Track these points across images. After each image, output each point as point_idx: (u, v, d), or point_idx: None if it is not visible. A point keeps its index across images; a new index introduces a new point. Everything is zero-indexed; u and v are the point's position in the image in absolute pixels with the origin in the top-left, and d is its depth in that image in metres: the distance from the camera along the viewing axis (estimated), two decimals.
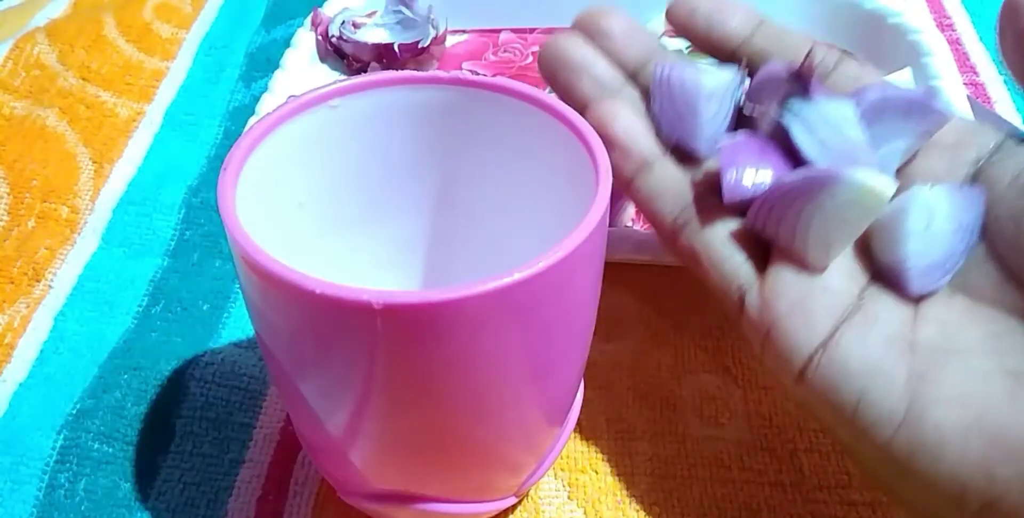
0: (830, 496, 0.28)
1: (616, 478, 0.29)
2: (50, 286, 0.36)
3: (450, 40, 0.47)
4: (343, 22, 0.45)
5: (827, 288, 0.23)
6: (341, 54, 0.44)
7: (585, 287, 0.21)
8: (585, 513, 0.28)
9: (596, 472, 0.29)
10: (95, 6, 0.52)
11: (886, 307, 0.22)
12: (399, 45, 0.43)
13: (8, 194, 0.40)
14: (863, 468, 0.22)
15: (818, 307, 0.22)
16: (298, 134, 0.23)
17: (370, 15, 0.46)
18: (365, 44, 0.43)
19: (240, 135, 0.22)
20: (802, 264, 0.23)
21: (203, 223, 0.39)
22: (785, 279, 0.23)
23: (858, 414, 0.21)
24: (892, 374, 0.21)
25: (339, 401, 0.21)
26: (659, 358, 0.32)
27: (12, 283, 0.36)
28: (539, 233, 0.24)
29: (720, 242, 0.24)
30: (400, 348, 0.19)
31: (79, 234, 0.38)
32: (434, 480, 0.24)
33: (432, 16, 0.45)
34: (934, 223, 0.22)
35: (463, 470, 0.24)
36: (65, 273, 0.37)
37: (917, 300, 0.23)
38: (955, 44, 0.45)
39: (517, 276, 0.18)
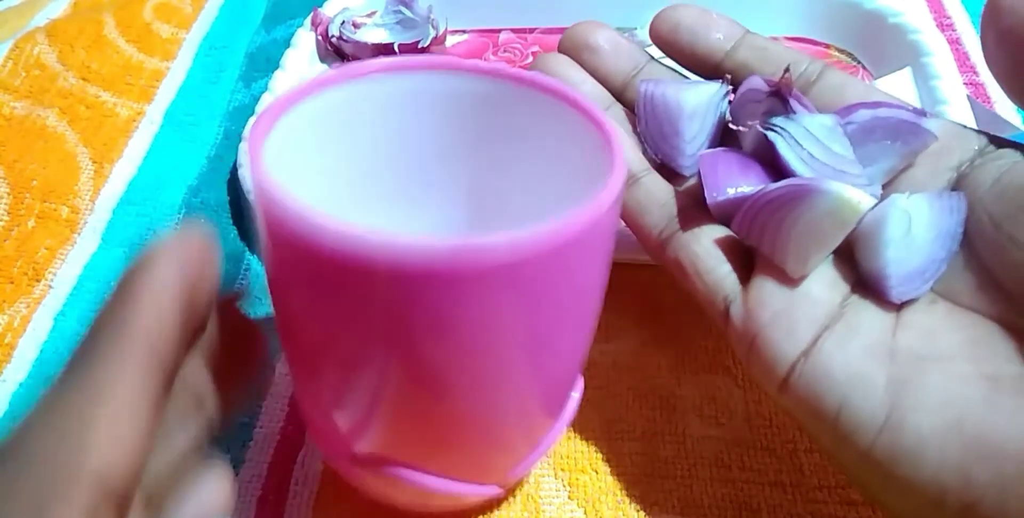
0: (830, 496, 0.28)
1: (616, 478, 0.29)
2: (50, 286, 0.36)
3: (450, 40, 0.47)
4: (343, 22, 0.45)
5: (809, 297, 0.23)
6: (341, 54, 0.44)
7: (594, 263, 0.21)
8: (585, 513, 0.28)
9: (596, 472, 0.29)
10: (95, 6, 0.52)
11: (867, 315, 0.23)
12: (399, 45, 0.43)
13: (8, 194, 0.40)
14: (846, 473, 0.23)
15: (800, 316, 0.23)
16: (336, 103, 0.23)
17: (370, 15, 0.46)
18: (365, 44, 0.43)
19: (264, 110, 0.21)
20: (781, 273, 0.23)
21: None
22: (768, 289, 0.23)
23: (839, 421, 0.21)
24: (872, 381, 0.21)
25: (336, 355, 0.21)
26: (659, 358, 0.32)
27: (12, 283, 0.36)
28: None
29: (705, 254, 0.25)
30: (401, 307, 0.19)
31: (79, 234, 0.38)
32: (424, 449, 0.23)
33: (432, 16, 0.45)
34: (913, 230, 0.22)
35: (455, 443, 0.24)
36: (65, 273, 0.37)
37: (898, 307, 0.23)
38: (955, 44, 0.45)
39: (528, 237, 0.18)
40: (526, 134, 0.25)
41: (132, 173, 0.41)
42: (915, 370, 0.21)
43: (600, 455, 0.29)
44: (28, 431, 0.17)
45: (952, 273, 0.23)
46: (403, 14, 0.45)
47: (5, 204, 0.39)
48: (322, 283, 0.19)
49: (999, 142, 0.24)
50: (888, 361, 0.21)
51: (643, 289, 0.34)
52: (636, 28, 0.46)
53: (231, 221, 0.39)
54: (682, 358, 0.32)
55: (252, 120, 0.20)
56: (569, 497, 0.28)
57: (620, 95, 0.29)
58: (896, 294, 0.23)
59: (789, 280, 0.23)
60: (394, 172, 0.26)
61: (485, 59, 0.46)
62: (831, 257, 0.24)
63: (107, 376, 0.17)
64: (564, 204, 0.25)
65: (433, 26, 0.45)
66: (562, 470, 0.29)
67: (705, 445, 0.30)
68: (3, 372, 0.33)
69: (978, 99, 0.42)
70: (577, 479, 0.29)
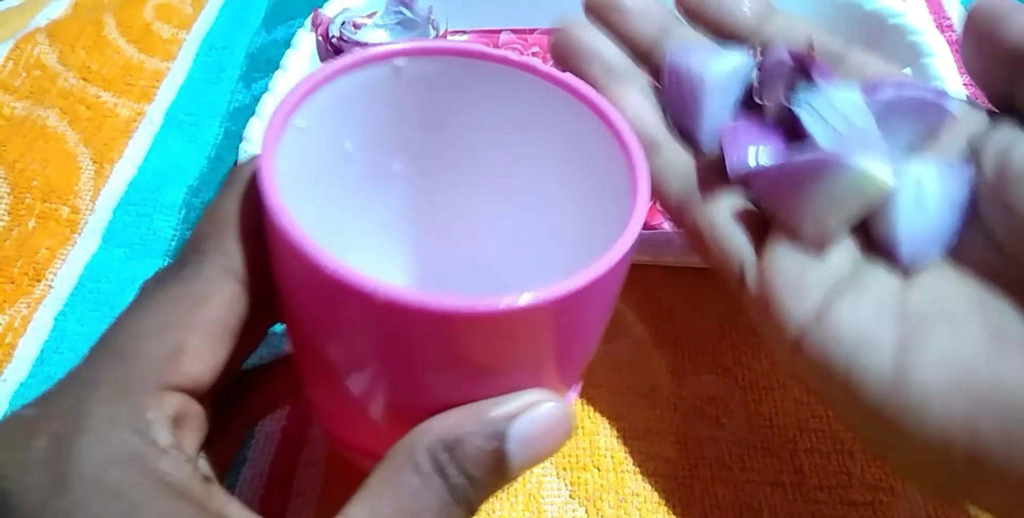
0: (830, 496, 0.28)
1: (617, 478, 0.29)
2: (51, 286, 0.36)
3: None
4: (343, 23, 0.44)
5: (822, 263, 0.23)
6: (342, 55, 0.44)
7: (601, 306, 0.21)
8: (587, 512, 0.28)
9: (598, 469, 0.29)
10: (95, 6, 0.52)
11: (879, 279, 0.23)
12: None
13: (8, 194, 0.40)
14: (856, 433, 0.23)
15: (812, 281, 0.23)
16: (358, 85, 0.23)
17: (370, 16, 0.46)
18: (366, 45, 0.43)
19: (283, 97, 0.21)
20: (796, 240, 0.24)
21: None
22: (782, 255, 0.24)
23: (849, 381, 0.22)
24: (881, 341, 0.22)
25: (341, 371, 0.21)
26: (659, 358, 0.32)
27: (13, 283, 0.36)
28: (565, 220, 0.25)
29: (723, 221, 0.25)
30: (405, 345, 0.19)
31: (79, 234, 0.38)
32: None
33: (432, 17, 0.45)
34: (925, 198, 0.23)
35: None
36: (66, 273, 0.37)
37: (909, 273, 0.23)
38: (955, 45, 0.45)
39: (523, 301, 0.18)
40: (541, 128, 0.24)
41: (132, 173, 0.41)
42: (923, 329, 0.21)
43: (601, 455, 0.29)
44: (128, 323, 0.19)
45: (962, 240, 0.23)
46: (403, 15, 0.45)
47: (5, 204, 0.39)
48: (325, 311, 0.19)
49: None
50: (897, 322, 0.22)
51: (643, 289, 0.34)
52: None
53: None
54: (682, 358, 0.32)
55: (256, 127, 0.20)
56: (571, 496, 0.28)
57: (646, 56, 0.29)
58: (908, 260, 0.23)
59: (804, 246, 0.24)
60: (410, 150, 0.26)
61: None
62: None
63: (207, 285, 0.19)
64: (575, 196, 0.25)
65: (433, 27, 0.45)
66: (564, 469, 0.29)
67: (706, 445, 0.30)
68: (3, 372, 0.33)
69: (978, 100, 0.42)
70: (579, 478, 0.29)
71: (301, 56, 0.43)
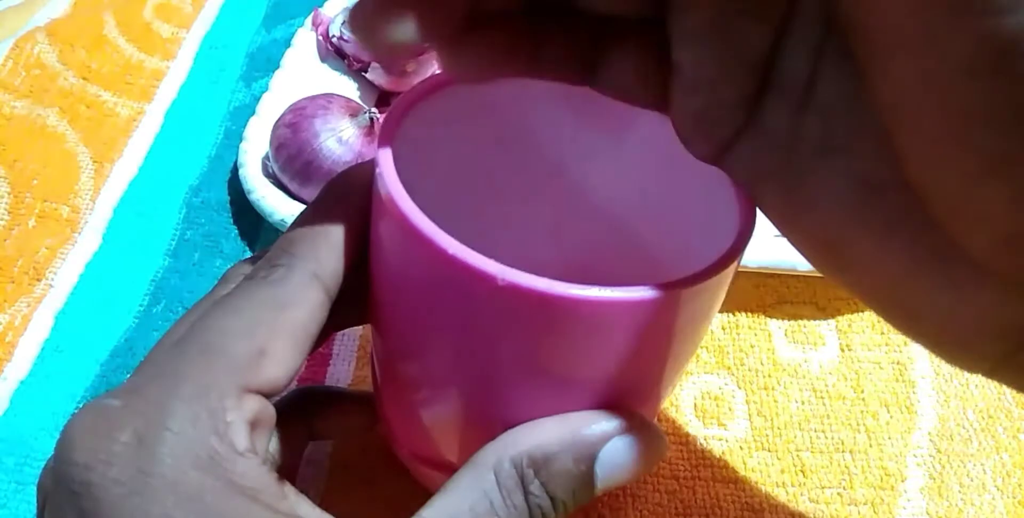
0: (831, 496, 0.28)
1: None
2: (51, 285, 0.36)
3: None
4: (343, 22, 0.45)
5: None
6: (341, 54, 0.44)
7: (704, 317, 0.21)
8: (586, 513, 0.28)
9: None
10: (95, 6, 0.52)
11: None
12: None
13: (9, 194, 0.40)
14: None
15: None
16: (466, 96, 0.22)
17: None
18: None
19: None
20: None
21: (203, 223, 0.39)
22: None
23: None
24: None
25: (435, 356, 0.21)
26: None
27: (13, 282, 0.36)
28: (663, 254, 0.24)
29: None
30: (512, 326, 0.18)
31: (80, 233, 0.38)
32: None
33: None
34: None
35: None
36: (66, 272, 0.36)
37: None
38: None
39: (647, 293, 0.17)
40: (660, 159, 0.24)
41: (132, 173, 0.41)
42: None
43: None
44: (216, 319, 0.19)
45: None
46: None
47: (6, 204, 0.39)
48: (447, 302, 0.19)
49: None
50: None
51: None
52: None
53: (231, 221, 0.39)
54: None
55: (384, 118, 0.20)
56: None
57: None
58: None
59: None
60: (511, 165, 0.26)
61: None
62: None
63: (295, 289, 0.20)
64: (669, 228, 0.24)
65: None
66: None
67: (707, 445, 0.30)
68: (3, 370, 0.33)
69: None
70: None
71: (301, 55, 0.44)
